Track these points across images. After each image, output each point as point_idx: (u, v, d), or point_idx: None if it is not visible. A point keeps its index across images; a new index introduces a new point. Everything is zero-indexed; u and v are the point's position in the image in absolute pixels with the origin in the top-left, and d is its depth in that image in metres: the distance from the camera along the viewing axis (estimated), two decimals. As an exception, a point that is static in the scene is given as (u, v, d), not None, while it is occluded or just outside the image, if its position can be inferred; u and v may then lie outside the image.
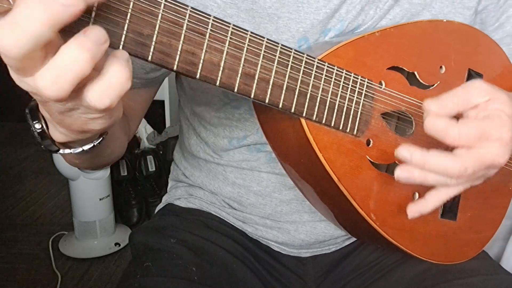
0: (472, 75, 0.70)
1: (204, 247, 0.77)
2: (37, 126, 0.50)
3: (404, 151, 0.53)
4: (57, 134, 0.49)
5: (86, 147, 0.53)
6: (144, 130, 2.41)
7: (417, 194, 0.67)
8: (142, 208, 2.28)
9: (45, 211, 2.36)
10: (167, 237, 0.77)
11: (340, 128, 0.60)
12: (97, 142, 0.54)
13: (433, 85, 0.67)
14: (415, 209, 0.60)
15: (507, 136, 0.54)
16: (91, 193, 1.98)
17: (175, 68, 0.46)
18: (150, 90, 0.78)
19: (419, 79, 0.65)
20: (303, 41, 0.68)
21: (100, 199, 2.01)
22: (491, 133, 0.54)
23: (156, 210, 0.91)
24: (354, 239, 0.84)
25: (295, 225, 0.79)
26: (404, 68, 0.64)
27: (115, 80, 0.38)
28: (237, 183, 0.80)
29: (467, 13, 0.74)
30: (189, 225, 0.81)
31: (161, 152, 2.36)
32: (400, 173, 0.54)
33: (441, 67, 0.67)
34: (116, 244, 2.04)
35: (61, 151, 0.54)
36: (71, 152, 0.54)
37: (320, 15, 0.67)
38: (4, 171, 2.78)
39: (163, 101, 2.52)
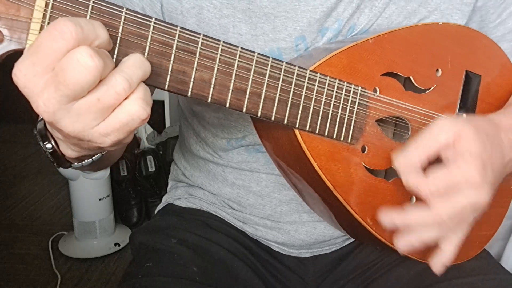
0: (469, 76, 0.70)
1: (205, 247, 0.77)
2: (48, 146, 0.51)
3: (386, 218, 0.58)
4: (69, 151, 0.51)
5: (95, 158, 0.54)
6: (144, 130, 2.41)
7: (414, 198, 0.68)
8: (141, 208, 2.28)
9: (45, 211, 2.36)
10: (168, 237, 0.77)
11: (334, 137, 0.60)
12: (105, 151, 0.54)
13: (429, 88, 0.67)
14: (439, 264, 0.62)
15: (475, 177, 0.56)
16: (91, 193, 1.98)
17: (166, 87, 0.46)
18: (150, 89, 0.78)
19: (414, 83, 0.65)
20: (300, 40, 0.68)
21: (100, 199, 2.00)
22: (458, 179, 0.56)
23: (156, 210, 0.91)
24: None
25: (295, 226, 0.79)
26: (399, 73, 0.64)
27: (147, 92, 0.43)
28: (237, 183, 0.80)
29: (465, 9, 0.73)
30: (189, 225, 0.81)
31: (161, 152, 2.35)
32: (401, 246, 0.59)
33: (437, 70, 0.67)
34: (116, 244, 2.04)
35: (72, 165, 0.55)
36: (82, 165, 0.55)
37: (317, 14, 0.67)
38: (4, 171, 2.78)
39: (163, 101, 2.52)
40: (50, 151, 0.52)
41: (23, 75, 0.39)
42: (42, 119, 0.51)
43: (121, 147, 0.49)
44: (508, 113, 0.69)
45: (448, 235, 0.60)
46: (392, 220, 0.58)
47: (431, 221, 0.57)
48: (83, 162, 0.54)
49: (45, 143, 0.51)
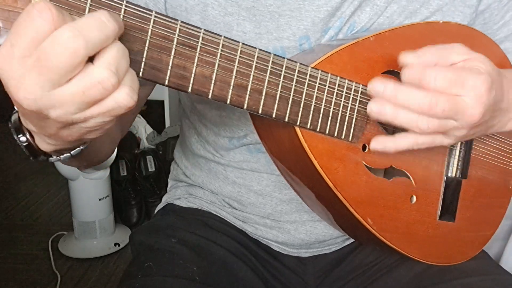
0: None
1: (205, 246, 0.77)
2: (23, 139, 0.50)
3: (378, 83, 0.54)
4: (45, 144, 0.50)
5: (73, 152, 0.53)
6: (144, 130, 2.41)
7: (414, 197, 0.67)
8: (141, 208, 2.28)
9: (44, 211, 2.36)
10: (168, 237, 0.77)
11: (335, 135, 0.60)
12: (84, 146, 0.53)
13: None
14: (380, 141, 0.59)
15: (482, 87, 0.54)
16: (90, 193, 1.98)
17: (166, 83, 0.46)
18: (146, 89, 0.78)
19: None
20: (304, 39, 0.68)
21: (100, 199, 2.00)
22: (467, 80, 0.53)
23: (156, 210, 0.91)
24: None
25: (295, 225, 0.79)
26: (399, 71, 0.64)
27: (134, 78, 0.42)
28: (237, 182, 0.80)
29: (467, 11, 0.73)
30: (189, 224, 0.81)
31: (160, 152, 2.36)
32: (372, 106, 0.54)
33: None
34: (115, 244, 2.04)
35: (49, 159, 0.54)
36: (60, 159, 0.54)
37: (321, 13, 0.67)
38: (4, 171, 2.78)
39: (162, 101, 2.52)
40: (25, 144, 0.50)
41: (2, 57, 0.38)
42: (16, 111, 0.50)
43: (102, 133, 0.48)
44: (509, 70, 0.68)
45: (417, 133, 0.56)
46: (384, 87, 0.53)
47: (426, 104, 0.52)
48: (61, 156, 0.53)
49: (19, 136, 0.50)
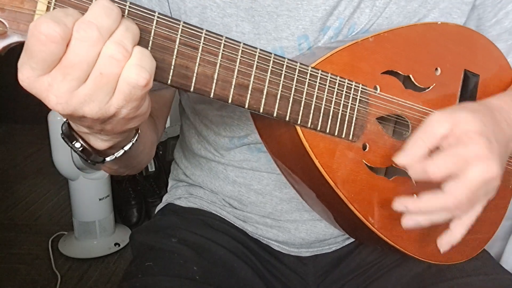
0: (468, 75, 0.70)
1: (205, 246, 0.77)
2: (77, 145, 0.52)
3: (399, 205, 0.56)
4: (99, 142, 0.52)
5: (126, 148, 0.55)
6: (144, 130, 2.40)
7: (415, 196, 0.67)
8: (141, 208, 2.28)
9: (44, 211, 2.36)
10: (168, 237, 0.77)
11: (336, 134, 0.60)
12: (135, 140, 0.56)
13: (429, 87, 0.67)
14: (447, 244, 0.61)
15: (483, 151, 0.55)
16: (90, 193, 1.98)
17: (169, 82, 0.47)
18: (170, 90, 0.79)
19: (414, 82, 0.66)
20: (303, 39, 0.68)
21: (100, 199, 2.00)
22: (467, 154, 0.55)
23: (156, 210, 0.91)
24: (354, 238, 0.84)
25: (296, 224, 0.79)
26: (399, 71, 0.64)
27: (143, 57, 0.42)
28: (238, 181, 0.80)
29: (465, 8, 0.73)
30: (190, 224, 0.81)
31: (160, 152, 2.35)
32: (406, 223, 0.57)
33: (436, 69, 0.67)
34: (115, 244, 2.04)
35: (106, 159, 0.56)
36: (115, 157, 0.56)
37: (319, 12, 0.67)
38: (4, 171, 2.78)
39: (162, 101, 2.52)
40: (80, 149, 0.52)
41: (27, 78, 0.40)
42: (66, 121, 0.52)
43: (142, 121, 0.49)
44: (497, 96, 0.69)
45: (460, 216, 0.59)
46: (407, 208, 0.56)
47: (449, 205, 0.55)
48: (116, 154, 0.55)
49: (73, 143, 0.52)
